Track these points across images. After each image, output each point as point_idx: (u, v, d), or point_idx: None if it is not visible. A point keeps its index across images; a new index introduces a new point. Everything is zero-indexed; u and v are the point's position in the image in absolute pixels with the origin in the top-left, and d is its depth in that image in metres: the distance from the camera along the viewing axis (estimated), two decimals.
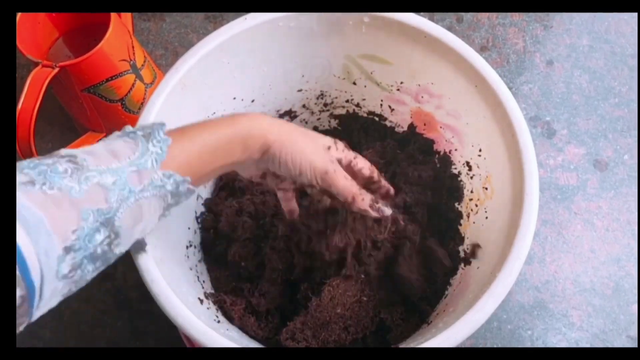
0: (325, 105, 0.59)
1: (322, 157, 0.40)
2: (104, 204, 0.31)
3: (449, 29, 0.75)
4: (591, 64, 0.73)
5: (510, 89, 0.70)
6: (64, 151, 0.33)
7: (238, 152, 0.38)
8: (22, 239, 0.27)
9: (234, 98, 0.53)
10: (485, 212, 0.49)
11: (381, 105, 0.58)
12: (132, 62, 0.61)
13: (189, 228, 0.51)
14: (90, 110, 0.62)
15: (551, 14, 0.76)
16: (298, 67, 0.54)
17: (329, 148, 0.42)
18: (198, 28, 0.76)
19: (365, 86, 0.56)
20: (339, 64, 0.54)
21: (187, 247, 0.50)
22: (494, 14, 0.76)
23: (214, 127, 0.38)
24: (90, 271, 0.32)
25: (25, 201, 0.28)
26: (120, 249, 0.34)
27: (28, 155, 0.56)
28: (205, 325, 0.38)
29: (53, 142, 0.69)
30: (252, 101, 0.55)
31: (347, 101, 0.59)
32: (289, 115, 0.59)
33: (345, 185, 0.41)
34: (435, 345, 0.36)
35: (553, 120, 0.69)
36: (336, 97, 0.59)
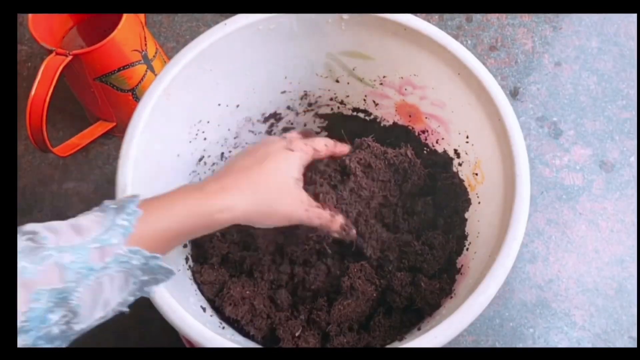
0: (310, 105, 0.60)
1: (296, 209, 0.44)
2: (59, 284, 0.30)
3: (459, 28, 0.76)
4: (599, 65, 0.73)
5: (518, 89, 0.71)
6: (28, 226, 0.32)
7: (203, 231, 0.40)
8: None
9: (219, 104, 0.53)
10: (478, 197, 0.49)
11: (365, 100, 0.58)
12: (143, 52, 0.62)
13: (184, 246, 0.52)
14: (102, 99, 0.63)
15: (560, 16, 0.76)
16: (280, 69, 0.54)
17: (297, 180, 0.45)
18: (210, 22, 0.76)
19: (348, 83, 0.57)
20: (321, 62, 0.55)
21: (185, 260, 0.50)
22: (504, 14, 0.76)
23: (182, 206, 0.38)
24: (49, 348, 0.31)
25: None
26: (80, 326, 0.32)
27: (41, 142, 0.57)
28: (213, 332, 0.39)
29: (64, 131, 0.70)
30: (237, 106, 0.55)
31: (331, 99, 0.59)
32: (274, 117, 0.59)
33: (321, 222, 0.45)
34: (441, 331, 0.37)
35: (560, 120, 0.70)
36: (320, 96, 0.59)
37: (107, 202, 0.36)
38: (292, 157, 0.45)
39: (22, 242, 0.31)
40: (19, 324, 0.29)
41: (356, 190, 0.49)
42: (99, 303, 0.33)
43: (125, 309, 0.36)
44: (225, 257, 0.52)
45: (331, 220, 0.46)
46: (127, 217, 0.34)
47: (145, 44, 0.62)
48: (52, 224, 0.33)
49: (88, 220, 0.34)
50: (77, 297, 0.31)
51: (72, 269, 0.31)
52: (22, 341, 0.29)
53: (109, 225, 0.33)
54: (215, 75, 0.51)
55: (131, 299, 0.35)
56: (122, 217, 0.34)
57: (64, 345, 0.32)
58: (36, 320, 0.29)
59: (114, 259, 0.33)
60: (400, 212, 0.53)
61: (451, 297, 0.45)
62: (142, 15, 0.64)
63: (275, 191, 0.43)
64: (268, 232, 0.51)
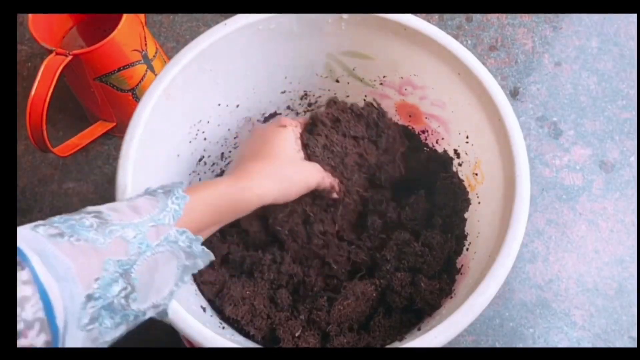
0: (310, 105, 0.60)
1: (313, 174, 0.48)
2: (124, 256, 0.33)
3: (459, 28, 0.76)
4: (600, 65, 0.73)
5: (518, 89, 0.71)
6: (90, 208, 0.35)
7: (234, 213, 0.42)
8: (50, 285, 0.29)
9: (219, 104, 0.53)
10: (478, 197, 0.49)
11: (365, 100, 0.58)
12: (143, 52, 0.62)
13: None
14: (102, 99, 0.63)
15: (560, 16, 0.76)
16: (280, 69, 0.55)
17: (299, 152, 0.49)
18: (210, 21, 0.76)
19: (348, 83, 0.57)
20: (321, 62, 0.55)
21: None
22: (504, 14, 0.76)
23: (216, 188, 0.41)
24: (108, 327, 0.33)
25: (55, 250, 0.30)
26: (137, 305, 0.34)
27: (41, 142, 0.57)
28: (213, 332, 0.39)
29: (64, 131, 0.70)
30: (237, 106, 0.55)
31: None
32: (274, 117, 0.59)
33: (330, 182, 0.50)
34: (441, 331, 0.37)
35: (560, 120, 0.70)
36: (320, 97, 0.59)
37: (152, 187, 0.39)
38: (287, 132, 0.48)
39: (89, 219, 0.33)
40: (91, 291, 0.31)
41: (329, 146, 0.50)
42: (153, 285, 0.35)
43: (166, 315, 0.38)
44: (225, 257, 0.52)
45: (334, 183, 0.50)
46: (177, 201, 0.37)
47: (145, 44, 0.62)
48: (111, 204, 0.36)
49: (142, 202, 0.36)
50: (136, 271, 0.34)
51: (133, 243, 0.34)
52: (91, 308, 0.31)
53: (162, 207, 0.36)
54: (215, 75, 0.51)
55: (175, 288, 0.38)
56: (172, 201, 0.37)
57: (122, 328, 0.34)
58: (104, 287, 0.32)
59: (166, 238, 0.36)
60: (391, 204, 0.53)
61: (451, 297, 0.45)
62: (142, 15, 0.64)
63: (289, 166, 0.47)
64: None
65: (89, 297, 0.31)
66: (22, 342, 0.28)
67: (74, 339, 0.31)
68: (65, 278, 0.30)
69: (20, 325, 0.27)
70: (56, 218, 0.33)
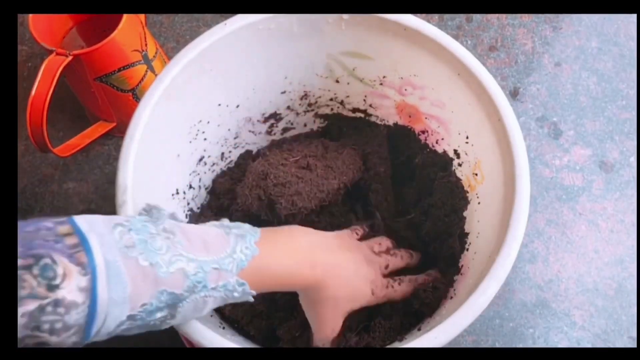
0: (310, 105, 0.60)
1: (368, 288, 0.46)
2: (179, 290, 0.33)
3: (459, 28, 0.76)
4: (599, 66, 0.73)
5: (518, 89, 0.72)
6: (167, 222, 0.35)
7: (297, 288, 0.43)
8: (103, 301, 0.30)
9: (219, 105, 0.53)
10: (477, 197, 0.49)
11: (365, 101, 0.58)
12: (144, 52, 0.62)
13: None
14: (102, 100, 0.63)
15: (561, 16, 0.76)
16: (281, 69, 0.55)
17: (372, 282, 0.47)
18: (210, 22, 0.76)
19: (348, 83, 0.57)
20: (321, 63, 0.55)
21: None
22: (504, 14, 0.76)
23: (283, 265, 0.40)
24: (131, 333, 0.34)
25: (121, 267, 0.31)
26: (168, 326, 0.35)
27: (41, 142, 0.57)
28: (213, 332, 0.39)
29: (64, 131, 0.70)
30: (237, 106, 0.55)
31: (331, 99, 0.59)
32: (274, 117, 0.59)
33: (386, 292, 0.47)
34: (441, 331, 0.37)
35: (560, 120, 0.70)
36: (320, 97, 0.59)
37: (227, 223, 0.39)
38: (369, 269, 0.47)
39: (160, 241, 0.33)
40: (134, 312, 0.32)
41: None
42: (196, 315, 0.36)
43: None
44: None
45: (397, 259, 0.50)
46: (245, 251, 0.37)
47: (146, 44, 0.62)
48: (188, 227, 0.36)
49: (214, 237, 0.37)
50: (183, 306, 0.34)
51: (192, 280, 0.34)
52: (127, 325, 0.32)
53: (230, 252, 0.36)
54: (215, 75, 0.51)
55: (203, 315, 0.38)
56: (241, 249, 0.37)
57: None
58: (147, 312, 0.32)
59: (224, 285, 0.36)
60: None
61: (451, 298, 0.45)
62: (142, 15, 0.64)
63: (356, 277, 0.45)
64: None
65: (130, 317, 0.32)
66: (52, 340, 0.28)
67: (97, 340, 0.32)
68: (117, 301, 0.30)
69: (57, 325, 0.28)
70: (137, 221, 0.34)
